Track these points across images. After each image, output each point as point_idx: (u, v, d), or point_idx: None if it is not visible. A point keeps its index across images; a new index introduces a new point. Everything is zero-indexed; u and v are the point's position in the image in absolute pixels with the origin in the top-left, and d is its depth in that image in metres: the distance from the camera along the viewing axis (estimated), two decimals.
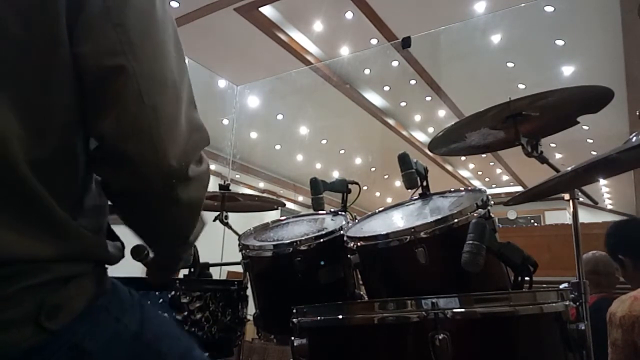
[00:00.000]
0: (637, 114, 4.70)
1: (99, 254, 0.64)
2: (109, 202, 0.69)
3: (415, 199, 1.44)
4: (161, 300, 1.44)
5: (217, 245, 4.36)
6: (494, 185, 10.27)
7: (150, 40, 0.61)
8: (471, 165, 9.72)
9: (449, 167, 9.20)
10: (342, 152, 8.42)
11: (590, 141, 6.82)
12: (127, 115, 0.58)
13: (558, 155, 7.13)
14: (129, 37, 0.58)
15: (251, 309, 1.64)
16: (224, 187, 1.99)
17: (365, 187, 6.31)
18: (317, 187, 1.62)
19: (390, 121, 7.08)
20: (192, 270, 1.71)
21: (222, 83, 6.18)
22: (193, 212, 0.69)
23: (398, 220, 1.36)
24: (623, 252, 1.95)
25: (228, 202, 2.04)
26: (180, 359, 0.67)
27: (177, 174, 0.61)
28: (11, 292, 0.52)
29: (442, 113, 6.88)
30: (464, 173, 9.98)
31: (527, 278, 1.01)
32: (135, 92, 0.58)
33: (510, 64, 5.53)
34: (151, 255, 0.89)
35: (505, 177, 9.83)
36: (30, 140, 0.54)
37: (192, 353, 0.71)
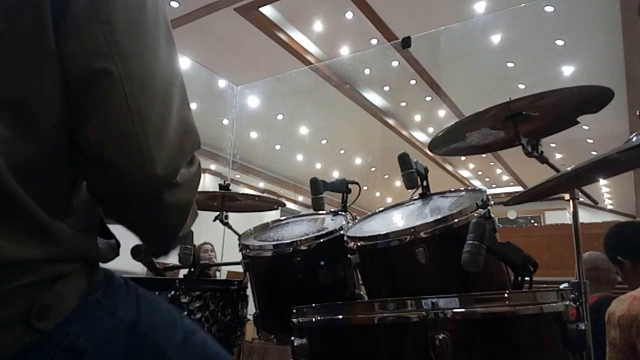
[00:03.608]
0: (637, 114, 4.71)
1: (88, 253, 0.63)
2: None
3: (415, 199, 1.44)
4: None
5: (217, 245, 4.37)
6: (494, 185, 10.27)
7: (139, 40, 0.59)
8: (471, 165, 9.73)
9: (449, 167, 9.21)
10: (342, 152, 8.42)
11: (590, 141, 6.83)
12: (112, 121, 0.56)
13: (558, 155, 7.13)
14: (116, 37, 0.56)
15: (251, 309, 1.64)
16: (224, 187, 1.99)
17: (365, 187, 6.31)
18: (317, 187, 1.62)
19: (390, 121, 7.08)
20: (192, 270, 1.71)
21: (222, 83, 6.18)
22: (181, 213, 0.67)
23: (398, 220, 1.36)
24: (622, 254, 1.96)
25: (228, 202, 2.04)
26: (177, 349, 0.66)
27: (164, 181, 0.59)
28: (1, 293, 0.52)
29: (442, 113, 6.88)
30: (464, 173, 9.99)
31: (527, 278, 1.01)
32: (121, 97, 0.56)
33: (510, 64, 5.54)
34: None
35: (505, 177, 9.84)
36: (13, 142, 0.53)
37: (190, 339, 0.69)
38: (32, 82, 0.55)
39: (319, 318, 0.98)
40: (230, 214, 2.02)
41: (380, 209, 1.46)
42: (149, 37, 0.60)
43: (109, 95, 0.56)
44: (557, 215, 8.66)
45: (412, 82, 6.05)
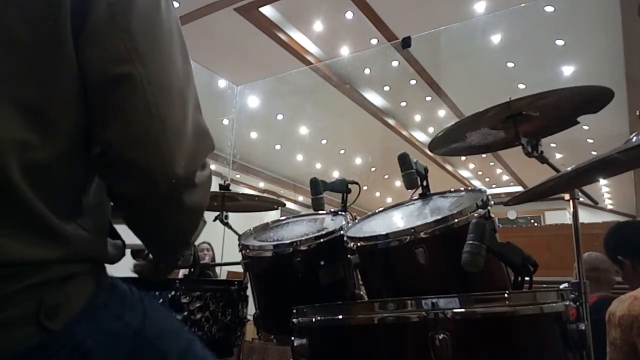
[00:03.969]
0: (637, 114, 4.71)
1: (97, 254, 0.64)
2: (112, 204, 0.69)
3: (415, 199, 1.44)
4: (161, 300, 1.44)
5: (217, 245, 4.38)
6: (494, 185, 10.26)
7: (156, 46, 0.61)
8: (471, 165, 9.72)
9: (449, 167, 9.21)
10: (342, 152, 8.42)
11: (590, 141, 6.82)
12: (135, 124, 0.59)
13: (558, 155, 7.13)
14: (135, 44, 0.58)
15: (251, 309, 1.64)
16: (224, 187, 1.99)
17: (365, 187, 6.31)
18: (317, 187, 1.62)
19: (390, 121, 7.08)
20: (192, 270, 1.71)
21: (222, 83, 6.18)
22: (196, 216, 0.69)
23: (398, 220, 1.36)
24: (622, 253, 1.96)
25: (228, 202, 2.04)
26: (180, 355, 0.67)
27: (183, 181, 0.61)
28: (11, 292, 0.52)
29: (442, 113, 6.88)
30: (464, 173, 9.98)
31: (527, 278, 1.01)
32: (143, 101, 0.58)
33: (510, 64, 5.53)
34: (150, 256, 0.89)
35: (505, 177, 9.83)
36: (28, 145, 0.54)
37: (192, 348, 0.70)
38: (50, 86, 0.56)
39: (319, 318, 0.99)
40: (230, 214, 2.02)
41: (380, 209, 1.46)
42: (165, 43, 0.62)
43: (130, 99, 0.58)
44: (557, 215, 8.65)
45: (412, 82, 6.04)
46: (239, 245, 1.61)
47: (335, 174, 8.61)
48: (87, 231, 0.61)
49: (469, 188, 1.37)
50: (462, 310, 0.83)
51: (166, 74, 0.61)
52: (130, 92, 0.58)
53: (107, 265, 0.68)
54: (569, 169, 0.98)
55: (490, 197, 1.19)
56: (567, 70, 5.52)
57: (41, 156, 0.55)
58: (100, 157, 0.60)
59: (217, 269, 4.26)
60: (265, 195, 6.98)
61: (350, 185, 1.69)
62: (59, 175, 0.58)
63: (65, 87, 0.57)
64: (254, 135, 7.59)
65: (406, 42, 4.68)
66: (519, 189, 9.20)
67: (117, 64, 0.57)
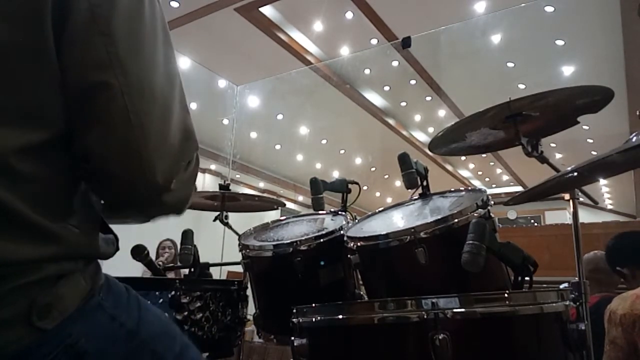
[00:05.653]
0: (637, 114, 4.71)
1: (89, 251, 0.63)
2: None
3: (415, 199, 1.44)
4: (161, 300, 1.44)
5: (217, 245, 4.37)
6: (494, 185, 10.27)
7: (138, 51, 0.59)
8: (471, 165, 9.72)
9: (449, 167, 9.21)
10: (342, 152, 8.42)
11: (590, 141, 6.83)
12: (113, 134, 0.57)
13: (558, 155, 7.13)
14: (116, 49, 0.56)
15: (251, 309, 1.64)
16: (224, 187, 1.99)
17: (365, 187, 6.31)
18: (317, 187, 1.62)
19: (390, 121, 7.08)
20: (192, 270, 1.71)
21: (222, 83, 6.18)
22: (181, 206, 0.69)
23: (398, 220, 1.36)
24: (620, 264, 1.99)
25: (228, 202, 2.04)
26: (175, 359, 0.67)
27: (164, 188, 0.61)
28: (2, 292, 0.52)
29: (442, 113, 6.89)
30: (464, 173, 9.99)
31: (527, 278, 1.01)
32: (122, 110, 0.56)
33: (510, 64, 5.54)
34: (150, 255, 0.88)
35: (505, 177, 9.84)
36: (12, 148, 0.53)
37: (188, 352, 0.70)
38: (34, 92, 0.55)
39: (319, 318, 0.99)
40: (230, 214, 2.02)
41: (380, 209, 1.46)
42: (148, 47, 0.61)
43: (109, 107, 0.56)
44: (557, 215, 8.65)
45: (412, 82, 6.05)
46: (239, 245, 1.61)
47: (335, 174, 8.61)
48: (77, 228, 0.60)
49: (469, 188, 1.37)
50: (462, 310, 0.83)
51: (148, 79, 0.59)
52: (108, 101, 0.56)
53: (106, 264, 0.67)
54: (569, 169, 0.98)
55: (490, 197, 1.19)
56: (567, 70, 5.52)
57: (25, 158, 0.54)
58: (82, 163, 0.60)
59: (217, 268, 4.23)
60: (265, 195, 6.99)
61: (350, 185, 1.69)
62: (43, 175, 0.57)
63: (49, 93, 0.56)
64: (254, 135, 7.59)
65: (406, 42, 4.68)
66: (519, 189, 9.21)
67: (95, 71, 0.56)
